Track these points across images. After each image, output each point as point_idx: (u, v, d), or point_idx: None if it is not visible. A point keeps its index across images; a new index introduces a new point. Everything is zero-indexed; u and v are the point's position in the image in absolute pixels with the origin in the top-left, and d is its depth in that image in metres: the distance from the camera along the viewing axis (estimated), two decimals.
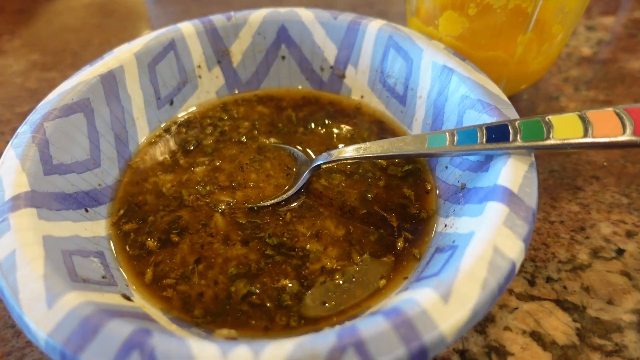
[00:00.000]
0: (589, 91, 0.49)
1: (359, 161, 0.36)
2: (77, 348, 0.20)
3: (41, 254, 0.24)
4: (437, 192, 0.34)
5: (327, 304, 0.28)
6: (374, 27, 0.40)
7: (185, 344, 0.20)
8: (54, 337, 0.20)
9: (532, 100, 0.48)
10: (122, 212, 0.33)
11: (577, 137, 0.26)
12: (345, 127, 0.41)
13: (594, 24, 0.61)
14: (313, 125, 0.41)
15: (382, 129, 0.41)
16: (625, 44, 0.57)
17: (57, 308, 0.21)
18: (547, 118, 0.28)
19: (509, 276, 0.22)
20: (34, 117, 0.31)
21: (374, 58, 0.41)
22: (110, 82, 0.36)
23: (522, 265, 0.33)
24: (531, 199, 0.25)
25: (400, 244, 0.31)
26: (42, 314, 0.21)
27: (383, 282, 0.29)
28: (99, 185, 0.34)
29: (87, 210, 0.32)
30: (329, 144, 0.39)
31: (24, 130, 0.30)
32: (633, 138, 0.26)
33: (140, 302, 0.28)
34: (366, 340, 0.20)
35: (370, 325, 0.20)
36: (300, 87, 0.45)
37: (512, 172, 0.27)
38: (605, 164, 0.40)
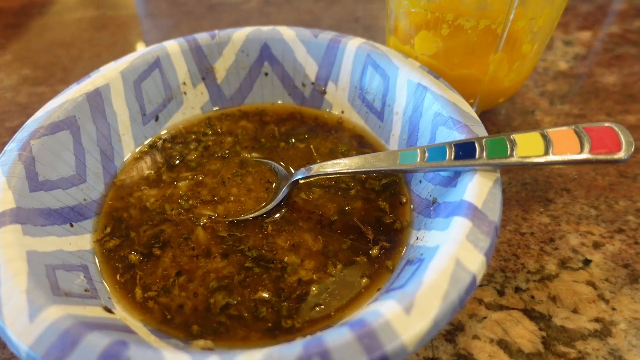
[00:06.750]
0: (563, 105, 0.51)
1: (335, 176, 0.38)
2: None
3: (24, 269, 0.25)
4: (412, 205, 0.35)
5: (302, 315, 0.29)
6: (353, 45, 0.42)
7: (160, 355, 0.21)
8: (35, 350, 0.21)
9: (509, 115, 0.50)
10: (108, 229, 0.34)
11: (538, 155, 0.28)
12: (326, 142, 0.42)
13: (571, 39, 0.63)
14: (294, 140, 0.42)
15: (361, 144, 0.42)
16: (601, 59, 0.59)
17: (38, 321, 0.22)
18: (511, 136, 0.30)
19: (470, 288, 0.24)
20: (21, 135, 0.32)
21: (353, 75, 0.42)
22: (97, 99, 0.37)
23: (492, 276, 0.34)
24: (494, 214, 0.27)
25: (374, 252, 0.32)
26: (23, 327, 0.22)
27: (365, 281, 0.31)
28: (85, 200, 0.35)
29: (72, 225, 0.33)
30: (309, 159, 0.40)
31: (11, 149, 0.31)
32: (589, 156, 0.27)
33: (122, 314, 0.29)
34: (331, 350, 0.21)
35: (335, 336, 0.22)
36: (280, 102, 0.46)
37: (477, 188, 0.28)
38: (576, 176, 0.42)
